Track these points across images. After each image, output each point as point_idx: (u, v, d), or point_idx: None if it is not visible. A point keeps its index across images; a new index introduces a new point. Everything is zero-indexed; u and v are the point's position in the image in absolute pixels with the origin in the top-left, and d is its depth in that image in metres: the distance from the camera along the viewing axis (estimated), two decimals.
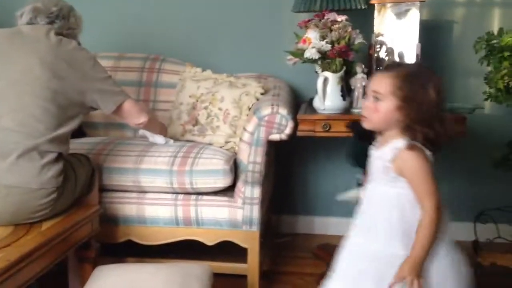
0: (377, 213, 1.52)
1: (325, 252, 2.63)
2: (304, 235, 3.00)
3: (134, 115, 2.11)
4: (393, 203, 1.50)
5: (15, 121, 1.80)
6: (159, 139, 2.44)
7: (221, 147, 2.48)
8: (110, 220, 2.29)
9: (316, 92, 2.37)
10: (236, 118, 2.52)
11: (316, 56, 2.30)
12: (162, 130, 2.43)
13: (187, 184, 2.27)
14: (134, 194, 2.32)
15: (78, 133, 2.56)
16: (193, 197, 2.30)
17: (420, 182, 1.46)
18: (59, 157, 1.86)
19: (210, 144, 2.51)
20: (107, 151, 2.36)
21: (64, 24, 2.05)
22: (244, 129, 2.38)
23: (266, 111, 2.30)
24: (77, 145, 2.34)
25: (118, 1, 3.08)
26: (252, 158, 2.30)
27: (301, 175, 3.05)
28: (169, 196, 2.31)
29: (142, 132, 2.49)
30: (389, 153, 1.50)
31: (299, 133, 2.32)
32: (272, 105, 2.33)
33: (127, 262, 2.26)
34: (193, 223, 2.31)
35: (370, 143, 1.61)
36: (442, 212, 1.46)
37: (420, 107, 1.45)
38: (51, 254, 1.71)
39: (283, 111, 2.31)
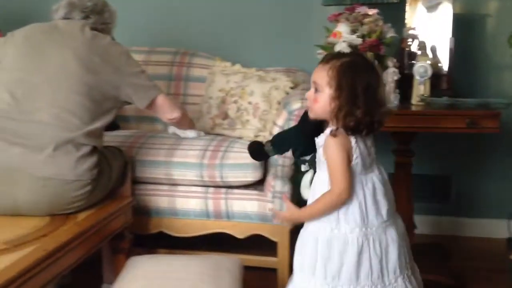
0: (316, 196, 1.58)
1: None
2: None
3: (167, 110, 2.13)
4: (326, 187, 1.56)
5: (51, 115, 1.84)
6: (190, 133, 2.46)
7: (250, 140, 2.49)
8: (142, 212, 2.33)
9: None
10: (266, 112, 2.53)
11: (347, 50, 2.29)
12: (191, 125, 2.45)
13: (217, 178, 2.29)
14: (165, 187, 2.36)
15: (112, 125, 2.60)
16: (224, 190, 2.32)
17: (333, 167, 1.53)
18: (94, 150, 1.90)
19: (240, 138, 2.52)
20: (139, 144, 2.40)
21: (99, 19, 2.08)
22: (274, 123, 2.39)
23: (296, 105, 2.30)
24: (110, 138, 2.38)
25: None
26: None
27: None
28: (199, 189, 2.34)
29: (172, 130, 2.51)
30: (322, 140, 1.57)
31: None
32: (302, 99, 2.33)
33: (158, 253, 2.30)
34: (223, 216, 2.33)
35: (314, 133, 1.64)
36: (343, 200, 1.52)
37: (347, 97, 1.50)
38: (87, 245, 1.75)
39: None
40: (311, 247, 1.56)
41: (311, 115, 1.60)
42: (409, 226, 2.17)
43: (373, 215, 1.55)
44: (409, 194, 2.35)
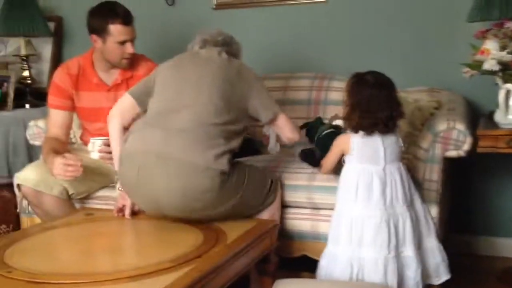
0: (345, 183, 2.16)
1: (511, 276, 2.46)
2: (486, 256, 2.83)
3: (288, 129, 2.25)
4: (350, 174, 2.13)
5: (190, 113, 2.04)
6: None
7: None
8: (286, 235, 2.36)
9: (496, 105, 2.24)
10: (409, 134, 2.46)
11: (497, 67, 2.19)
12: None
13: None
14: (308, 210, 2.38)
15: (252, 150, 2.70)
16: None
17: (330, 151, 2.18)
18: (228, 151, 2.03)
19: None
20: (281, 168, 2.45)
21: (229, 49, 2.26)
22: (418, 145, 2.32)
23: (441, 126, 2.23)
24: (253, 162, 2.46)
25: (283, 26, 3.20)
26: (428, 176, 2.24)
27: (481, 193, 2.88)
28: None
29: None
30: None
31: (479, 150, 2.20)
32: (448, 120, 2.24)
33: (303, 277, 2.31)
34: None
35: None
36: (323, 171, 2.27)
37: (352, 105, 2.04)
38: (237, 267, 1.82)
39: (461, 126, 2.21)
40: (347, 223, 2.05)
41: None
42: None
43: (376, 197, 2.02)
44: None
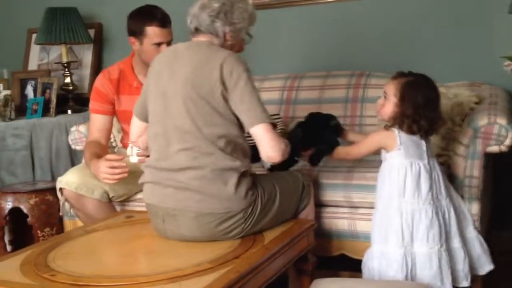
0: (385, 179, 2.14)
1: None
2: None
3: (268, 146, 1.88)
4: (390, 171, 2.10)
5: (186, 150, 1.90)
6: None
7: None
8: (323, 234, 2.35)
9: None
10: (449, 130, 2.41)
11: None
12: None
13: None
14: (345, 209, 2.36)
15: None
16: None
17: (366, 142, 2.15)
18: (240, 171, 1.90)
19: None
20: (318, 168, 2.44)
21: (227, 19, 1.99)
22: (458, 141, 2.27)
23: (482, 121, 2.17)
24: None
25: (319, 25, 3.18)
26: (469, 172, 2.19)
27: None
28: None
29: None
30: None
31: None
32: (489, 114, 2.19)
33: (341, 276, 2.30)
34: None
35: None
36: (347, 158, 2.27)
37: (409, 107, 1.99)
38: (274, 267, 1.82)
39: (502, 120, 2.15)
40: (397, 220, 2.02)
41: (378, 117, 2.20)
42: None
43: (425, 191, 2.02)
44: None
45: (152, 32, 2.50)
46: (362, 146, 2.15)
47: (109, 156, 2.37)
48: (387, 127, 2.08)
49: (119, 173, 2.33)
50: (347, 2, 3.09)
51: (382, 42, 3.04)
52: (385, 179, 2.09)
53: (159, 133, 1.96)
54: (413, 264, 2.01)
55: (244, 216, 1.90)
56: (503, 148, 2.16)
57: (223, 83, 1.87)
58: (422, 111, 1.99)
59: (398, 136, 2.03)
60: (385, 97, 2.07)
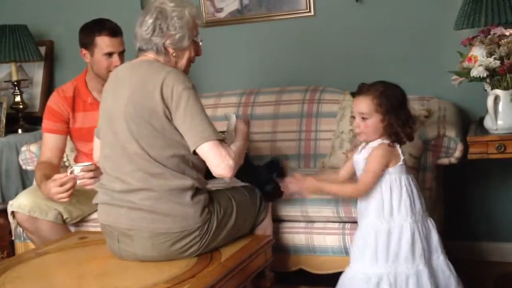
0: None
1: (509, 281, 2.44)
2: (484, 262, 2.81)
3: (212, 164, 1.86)
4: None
5: (134, 171, 1.90)
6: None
7: None
8: (281, 250, 2.35)
9: (486, 111, 2.24)
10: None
11: (484, 74, 2.18)
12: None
13: (354, 213, 2.26)
14: (302, 224, 2.37)
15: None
16: None
17: (369, 169, 1.92)
18: (195, 187, 1.89)
19: None
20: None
21: (164, 30, 1.95)
22: (410, 154, 2.32)
23: (432, 134, 2.23)
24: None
25: (273, 41, 3.21)
26: (421, 184, 2.23)
27: (475, 199, 2.88)
28: (336, 225, 2.32)
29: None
30: (367, 152, 1.94)
31: (470, 156, 2.20)
32: (439, 127, 2.25)
33: None
34: None
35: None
36: (356, 196, 2.00)
37: (398, 114, 1.89)
38: (231, 284, 1.81)
39: (451, 133, 2.22)
40: (373, 238, 1.91)
41: (363, 138, 1.96)
42: None
43: (413, 207, 1.91)
44: None
45: (102, 42, 2.48)
46: (369, 175, 1.92)
47: (56, 176, 2.32)
48: (390, 144, 1.92)
49: (70, 188, 2.28)
50: (300, 18, 3.12)
51: (335, 58, 3.09)
52: (375, 196, 1.94)
53: (109, 155, 1.94)
54: (399, 284, 1.91)
55: (200, 233, 1.88)
56: (453, 160, 2.22)
57: (165, 104, 1.85)
58: (404, 115, 1.91)
59: (399, 149, 1.94)
60: (363, 118, 1.92)
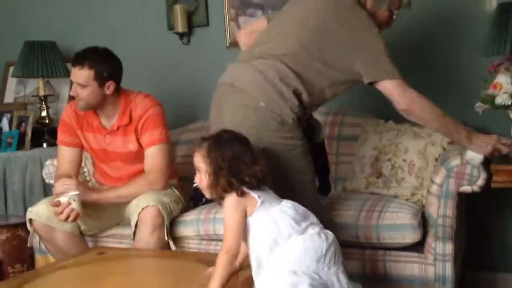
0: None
1: None
2: None
3: (395, 99, 2.14)
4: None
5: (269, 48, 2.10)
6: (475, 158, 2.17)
7: (407, 199, 2.41)
8: None
9: (511, 139, 2.21)
10: (422, 169, 2.44)
11: (509, 101, 2.17)
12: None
13: (374, 239, 2.24)
14: None
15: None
16: (381, 252, 2.26)
17: (226, 227, 1.76)
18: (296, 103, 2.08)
19: (396, 196, 2.45)
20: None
21: None
22: (432, 180, 2.30)
23: (455, 161, 2.20)
24: None
25: None
26: (442, 212, 2.20)
27: (498, 229, 2.82)
28: (356, 250, 2.29)
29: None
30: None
31: (493, 185, 2.16)
32: (462, 154, 2.22)
33: None
34: (381, 279, 2.25)
35: None
36: (230, 256, 1.75)
37: (229, 166, 1.74)
38: None
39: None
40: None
41: (206, 194, 1.83)
42: None
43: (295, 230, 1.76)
44: None
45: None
46: (233, 228, 1.76)
47: (51, 203, 2.33)
48: (228, 198, 1.78)
49: (66, 216, 2.28)
50: None
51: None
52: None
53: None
54: None
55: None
56: (476, 188, 2.18)
57: None
58: (228, 167, 1.76)
59: (254, 196, 1.79)
60: (199, 171, 1.81)
